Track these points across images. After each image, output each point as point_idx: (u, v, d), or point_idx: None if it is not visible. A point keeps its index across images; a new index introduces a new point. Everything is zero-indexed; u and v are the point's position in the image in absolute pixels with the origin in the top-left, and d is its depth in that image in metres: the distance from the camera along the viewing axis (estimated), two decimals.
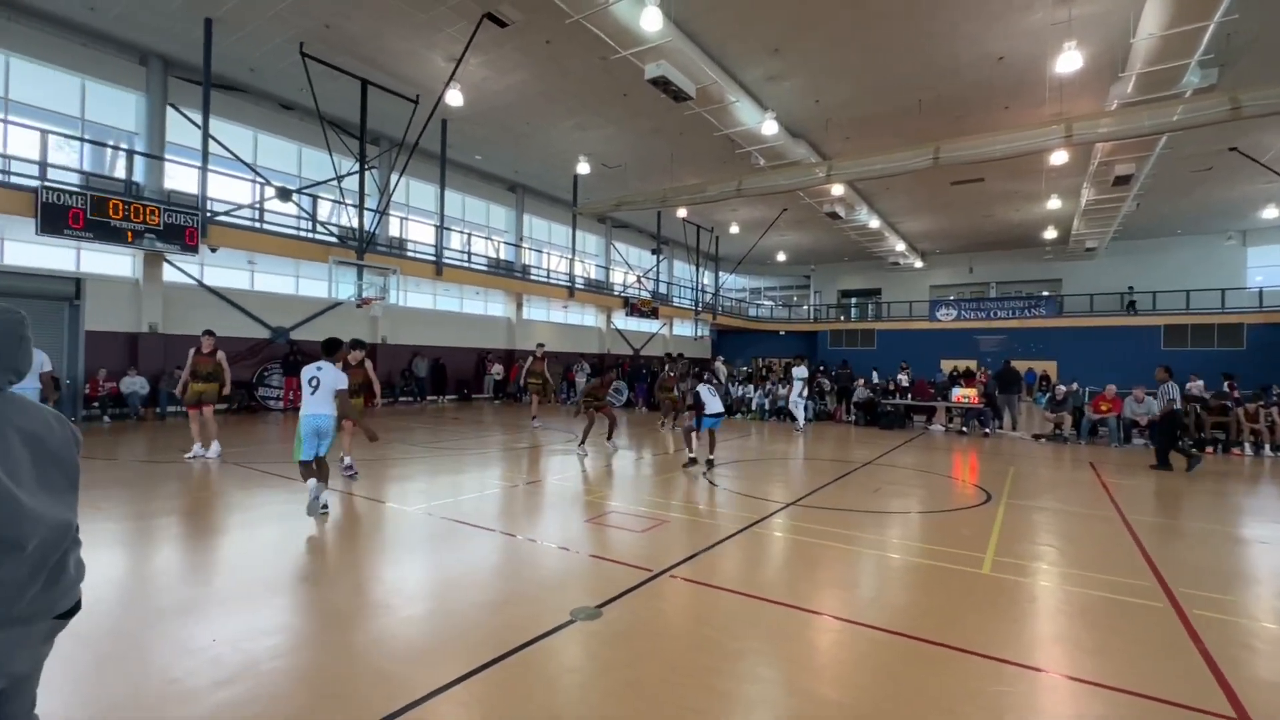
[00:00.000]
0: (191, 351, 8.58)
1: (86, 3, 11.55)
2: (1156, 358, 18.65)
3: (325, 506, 5.62)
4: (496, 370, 21.26)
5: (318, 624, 3.43)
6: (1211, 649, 3.30)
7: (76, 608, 1.60)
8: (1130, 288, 28.17)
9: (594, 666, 3.03)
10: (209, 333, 8.76)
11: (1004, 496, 7.24)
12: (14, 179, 11.22)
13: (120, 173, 13.49)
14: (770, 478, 8.38)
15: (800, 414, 14.46)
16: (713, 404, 8.53)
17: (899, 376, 16.45)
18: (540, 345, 13.95)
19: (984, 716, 2.64)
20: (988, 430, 14.09)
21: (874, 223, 24.15)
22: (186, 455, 8.35)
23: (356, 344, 7.97)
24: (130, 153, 13.42)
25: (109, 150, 13.51)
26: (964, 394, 14.55)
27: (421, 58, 13.39)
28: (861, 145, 17.48)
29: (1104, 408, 12.64)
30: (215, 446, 8.46)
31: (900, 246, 28.85)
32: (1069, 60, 11.14)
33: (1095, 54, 12.23)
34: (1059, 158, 14.94)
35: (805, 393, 14.78)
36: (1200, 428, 11.74)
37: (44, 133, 11.70)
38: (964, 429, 14.28)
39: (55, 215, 10.70)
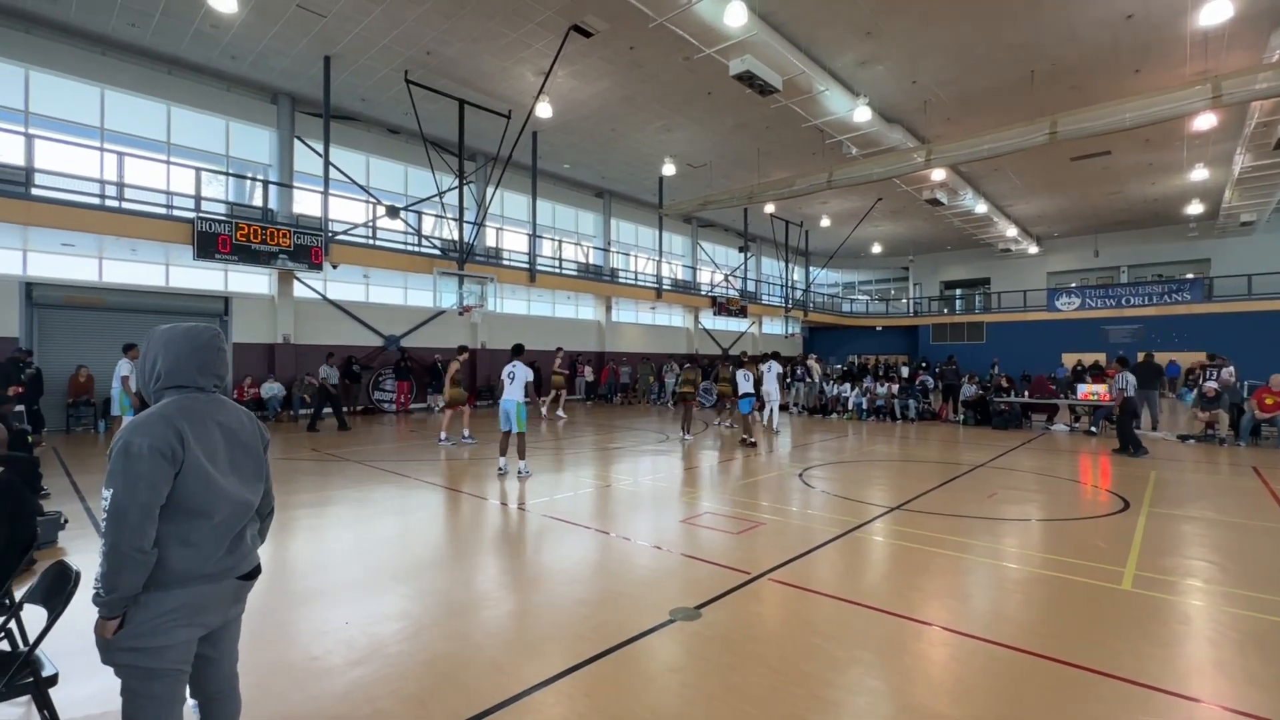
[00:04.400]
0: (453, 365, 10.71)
1: (228, 51, 13.06)
2: None
3: (502, 470, 7.84)
4: (588, 373, 21.81)
5: (436, 612, 3.67)
6: None
7: (256, 571, 1.89)
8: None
9: (696, 667, 3.02)
10: (463, 348, 11.04)
11: (1145, 504, 6.49)
12: (176, 212, 12.89)
13: (258, 201, 15.15)
14: (871, 480, 8.00)
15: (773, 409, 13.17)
16: (743, 385, 11.04)
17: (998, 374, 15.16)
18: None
19: None
20: None
21: (980, 207, 22.40)
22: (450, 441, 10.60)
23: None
24: (266, 183, 15.03)
25: (248, 181, 15.21)
26: (1092, 390, 13.18)
27: (513, 74, 13.99)
28: (965, 125, 16.31)
29: (1270, 402, 11.01)
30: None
31: (1011, 231, 26.56)
32: (1216, 10, 9.81)
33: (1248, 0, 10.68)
34: (1205, 122, 13.15)
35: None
36: None
37: (198, 170, 13.35)
38: (1093, 429, 12.94)
39: (208, 242, 12.16)
